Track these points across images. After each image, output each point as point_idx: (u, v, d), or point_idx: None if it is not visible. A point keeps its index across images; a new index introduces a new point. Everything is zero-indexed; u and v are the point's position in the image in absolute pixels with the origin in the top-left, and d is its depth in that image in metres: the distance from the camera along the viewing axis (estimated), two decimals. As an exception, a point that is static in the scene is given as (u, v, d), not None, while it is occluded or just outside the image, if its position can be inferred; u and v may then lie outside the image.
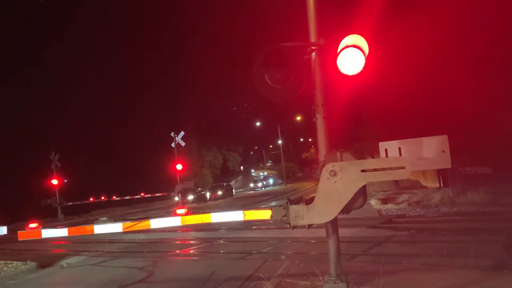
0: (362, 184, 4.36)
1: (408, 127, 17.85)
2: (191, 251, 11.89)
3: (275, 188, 58.25)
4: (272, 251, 10.10)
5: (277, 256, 9.34)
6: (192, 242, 13.60)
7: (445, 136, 4.66)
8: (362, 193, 4.53)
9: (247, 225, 14.96)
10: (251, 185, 59.61)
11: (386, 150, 4.80)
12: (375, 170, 4.33)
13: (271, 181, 63.57)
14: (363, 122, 25.02)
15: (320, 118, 4.87)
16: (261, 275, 6.92)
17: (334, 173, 4.34)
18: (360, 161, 4.39)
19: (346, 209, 4.45)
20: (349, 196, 4.35)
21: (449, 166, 4.67)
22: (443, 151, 4.64)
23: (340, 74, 4.65)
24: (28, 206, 25.06)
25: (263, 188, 55.81)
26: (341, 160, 4.48)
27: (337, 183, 4.33)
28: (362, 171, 4.32)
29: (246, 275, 7.69)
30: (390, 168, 4.30)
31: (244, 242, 11.89)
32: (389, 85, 18.27)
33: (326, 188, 4.38)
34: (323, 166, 4.47)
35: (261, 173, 74.95)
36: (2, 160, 28.95)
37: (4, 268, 10.07)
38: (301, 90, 4.92)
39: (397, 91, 19.37)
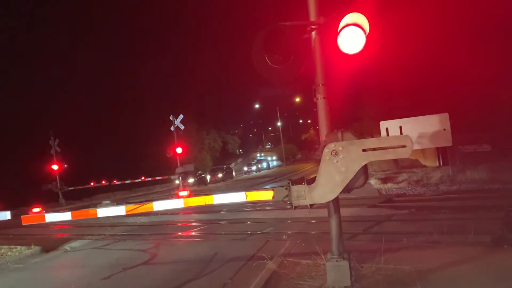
0: (364, 164, 4.38)
1: (408, 107, 17.84)
2: (193, 233, 12.00)
3: (275, 170, 58.43)
4: (274, 231, 10.19)
5: (278, 236, 9.43)
6: (194, 224, 13.71)
7: (446, 114, 4.66)
8: (364, 172, 4.55)
9: (248, 206, 15.08)
10: (245, 168, 58.56)
11: (387, 129, 4.79)
12: (376, 149, 4.35)
13: (264, 164, 62.91)
14: (363, 102, 24.94)
15: (320, 98, 4.85)
16: (264, 255, 7.00)
17: (335, 153, 4.35)
18: (361, 140, 4.39)
19: (347, 189, 4.48)
20: (350, 176, 4.37)
21: (450, 144, 4.68)
22: (444, 129, 4.63)
23: (341, 53, 4.61)
24: (30, 192, 25.17)
25: (257, 172, 55.31)
26: (342, 140, 4.49)
27: (339, 162, 4.35)
28: (363, 150, 4.33)
29: (248, 255, 7.79)
30: (391, 147, 4.31)
31: (246, 223, 11.99)
32: (389, 64, 18.17)
33: (327, 168, 4.40)
34: (324, 146, 4.48)
35: (261, 155, 74.94)
36: (1, 146, 28.93)
37: (9, 253, 10.18)
38: (301, 70, 4.89)
39: (397, 70, 19.27)
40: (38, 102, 33.06)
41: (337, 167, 4.35)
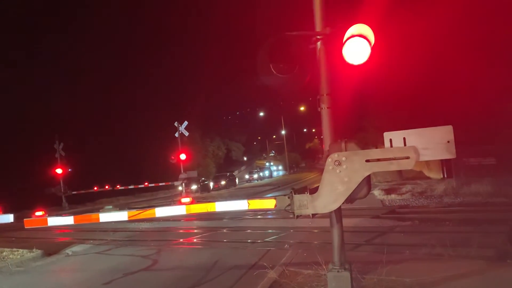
0: (367, 174, 4.36)
1: (413, 118, 17.81)
2: (195, 240, 11.98)
3: (278, 178, 58.30)
4: (276, 240, 10.16)
5: (280, 245, 9.39)
6: (196, 231, 13.70)
7: (450, 127, 4.65)
8: (367, 183, 4.54)
9: (251, 214, 15.04)
10: (247, 176, 57.54)
11: (390, 140, 4.78)
12: (379, 160, 4.34)
13: (267, 172, 62.35)
14: (368, 113, 24.92)
15: (325, 108, 4.86)
16: (265, 264, 6.96)
17: (338, 163, 4.35)
18: (364, 151, 4.38)
19: (350, 199, 4.47)
20: (353, 186, 4.36)
21: (453, 156, 4.66)
22: (448, 142, 4.62)
23: (346, 63, 4.62)
24: (33, 195, 25.22)
25: (259, 180, 54.75)
26: (346, 150, 4.49)
27: (342, 173, 4.34)
28: (367, 161, 4.33)
29: (249, 264, 7.76)
30: (395, 158, 4.31)
31: (248, 231, 11.97)
32: (395, 75, 18.19)
33: (330, 177, 4.39)
34: (327, 156, 4.48)
35: (270, 163, 74.61)
36: (7, 149, 29.08)
37: (11, 256, 10.19)
38: (306, 80, 4.92)
39: (402, 81, 19.28)
40: (44, 106, 33.23)
41: (340, 177, 4.34)
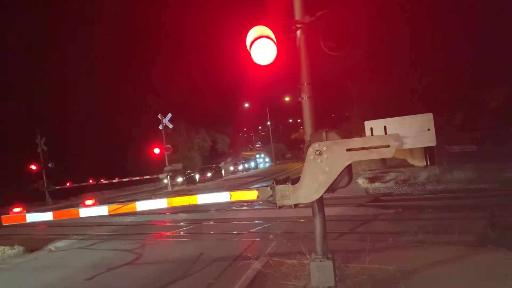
0: (348, 163, 4.36)
1: (395, 107, 17.94)
2: (180, 233, 11.91)
3: (264, 169, 58.37)
4: (261, 230, 10.16)
5: (265, 236, 9.40)
6: (181, 223, 13.61)
7: (430, 114, 4.65)
8: (348, 172, 4.53)
9: (237, 206, 15.03)
10: (231, 168, 57.06)
11: (371, 129, 4.77)
12: (360, 149, 4.33)
13: (252, 163, 62.46)
14: (351, 102, 25.06)
15: (305, 98, 4.82)
16: (249, 255, 6.97)
17: (319, 153, 4.33)
18: (345, 140, 4.37)
19: (331, 188, 4.46)
20: (334, 176, 4.35)
21: (434, 144, 4.68)
22: (428, 129, 4.63)
23: (326, 52, 4.59)
24: (16, 191, 24.77)
25: (244, 172, 54.80)
26: (327, 140, 4.46)
27: (322, 162, 4.32)
28: (348, 150, 4.32)
29: (234, 255, 7.75)
30: (375, 147, 4.30)
31: (233, 222, 11.94)
32: (376, 64, 18.27)
33: (311, 167, 4.38)
34: (308, 146, 4.45)
35: (260, 155, 74.62)
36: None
37: (-9, 252, 10.00)
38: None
39: (384, 70, 19.39)
40: (24, 100, 32.55)
41: (321, 167, 4.33)
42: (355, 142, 4.33)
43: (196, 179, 39.76)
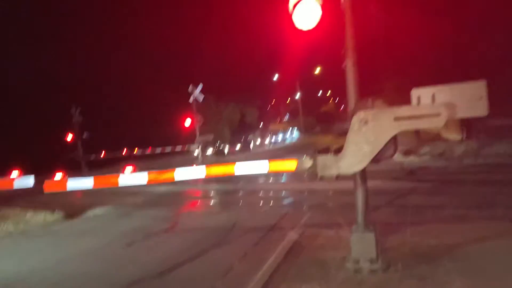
0: (395, 133, 4.19)
1: (433, 78, 17.27)
2: (212, 202, 12.08)
3: (293, 142, 58.10)
4: (292, 202, 10.15)
5: (297, 207, 9.38)
6: (212, 193, 13.79)
7: (483, 82, 4.41)
8: (394, 142, 4.38)
9: (265, 178, 15.03)
10: (259, 141, 56.24)
11: (418, 97, 4.56)
12: (408, 118, 4.14)
13: (280, 136, 61.90)
14: (385, 73, 24.26)
15: (350, 63, 4.62)
16: (284, 226, 6.95)
17: (365, 122, 4.16)
18: (393, 108, 4.18)
19: (376, 159, 4.32)
20: (380, 146, 4.20)
21: (486, 113, 4.45)
22: (480, 98, 4.39)
23: (371, 16, 4.36)
24: (52, 160, 25.62)
25: (272, 145, 54.25)
26: (373, 108, 4.29)
27: (368, 132, 4.16)
28: (395, 119, 4.13)
29: (268, 226, 7.74)
30: (425, 116, 4.11)
31: (264, 194, 11.95)
32: (415, 33, 17.53)
33: (355, 137, 4.23)
34: (353, 114, 4.29)
35: (281, 127, 74.10)
36: (25, 113, 29.34)
37: (34, 218, 10.39)
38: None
39: (422, 38, 18.62)
40: (61, 70, 33.22)
41: (366, 136, 4.17)
42: (404, 110, 4.14)
43: (225, 151, 40.06)
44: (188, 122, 28.35)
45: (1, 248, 8.16)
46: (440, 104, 4.09)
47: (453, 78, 4.51)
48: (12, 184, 7.55)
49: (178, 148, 30.18)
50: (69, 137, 30.32)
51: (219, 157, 36.45)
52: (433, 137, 22.91)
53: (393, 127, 4.11)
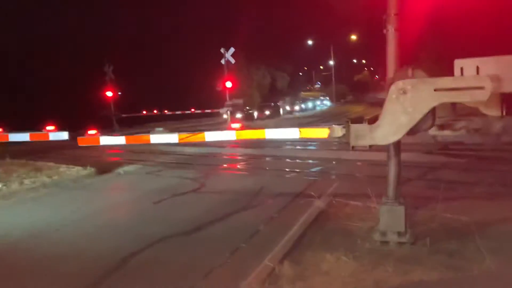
0: (434, 105, 4.01)
1: (477, 50, 16.44)
2: (239, 166, 12.14)
3: (323, 110, 57.37)
4: (320, 171, 10.08)
5: (326, 176, 9.31)
6: (240, 157, 13.87)
7: (533, 55, 4.12)
8: (432, 114, 4.20)
9: (291, 145, 14.96)
10: (288, 107, 55.56)
11: (461, 69, 4.33)
12: (450, 90, 3.94)
13: (310, 104, 60.73)
14: (426, 42, 23.25)
15: (391, 30, 4.40)
16: (311, 193, 6.92)
17: (404, 91, 3.99)
18: (433, 79, 3.98)
19: (413, 131, 4.17)
20: (417, 117, 4.03)
21: (536, 88, 4.19)
22: (529, 73, 4.13)
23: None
24: (85, 116, 26.25)
25: (301, 112, 53.28)
26: (413, 78, 4.09)
27: (406, 102, 3.99)
28: (436, 90, 3.94)
29: (295, 192, 7.75)
30: (468, 88, 3.90)
31: (291, 161, 11.90)
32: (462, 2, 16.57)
33: (393, 107, 4.07)
34: (391, 83, 4.12)
35: (312, 95, 72.92)
36: (59, 70, 29.93)
37: (67, 172, 10.78)
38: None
39: (466, 8, 17.61)
40: (93, 29, 33.52)
41: (404, 106, 4.00)
42: (445, 81, 3.94)
43: (254, 116, 39.96)
44: (218, 85, 28.23)
45: (36, 198, 8.52)
46: (485, 77, 3.86)
47: (498, 51, 4.25)
48: (48, 136, 7.80)
49: (208, 110, 30.27)
50: (109, 93, 30.50)
51: (247, 122, 36.49)
52: (470, 112, 22.18)
53: (433, 98, 3.92)
